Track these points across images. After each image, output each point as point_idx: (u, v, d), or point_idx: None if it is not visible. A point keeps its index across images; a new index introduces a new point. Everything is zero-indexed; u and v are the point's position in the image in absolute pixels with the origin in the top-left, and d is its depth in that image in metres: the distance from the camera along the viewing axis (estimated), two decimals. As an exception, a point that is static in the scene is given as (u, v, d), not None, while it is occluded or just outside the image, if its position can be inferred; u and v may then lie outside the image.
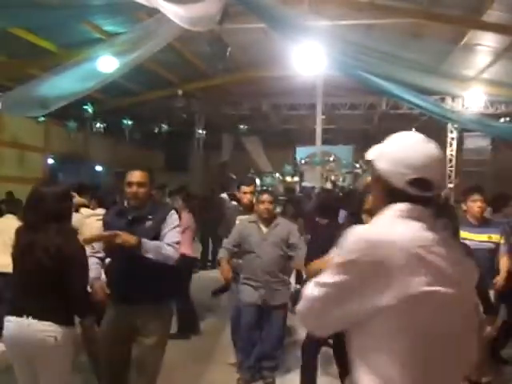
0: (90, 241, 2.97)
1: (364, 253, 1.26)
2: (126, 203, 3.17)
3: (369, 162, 1.47)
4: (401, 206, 1.36)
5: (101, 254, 3.20)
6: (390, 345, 1.25)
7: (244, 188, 4.73)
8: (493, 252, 4.20)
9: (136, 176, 3.03)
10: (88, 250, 2.99)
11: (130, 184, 3.02)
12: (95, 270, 3.08)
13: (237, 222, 4.48)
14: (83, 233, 3.94)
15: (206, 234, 9.98)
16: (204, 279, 8.73)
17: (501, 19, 7.98)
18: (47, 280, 2.52)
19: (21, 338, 2.51)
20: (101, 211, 4.00)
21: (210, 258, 10.13)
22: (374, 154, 1.45)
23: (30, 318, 2.48)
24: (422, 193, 1.35)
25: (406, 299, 1.22)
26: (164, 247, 2.94)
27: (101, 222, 3.28)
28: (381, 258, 1.24)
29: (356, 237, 1.31)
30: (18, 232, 2.71)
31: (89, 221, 4.08)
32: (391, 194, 1.38)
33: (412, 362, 1.25)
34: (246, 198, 4.64)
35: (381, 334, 1.27)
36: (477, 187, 4.40)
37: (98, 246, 3.17)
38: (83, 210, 4.36)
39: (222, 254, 4.26)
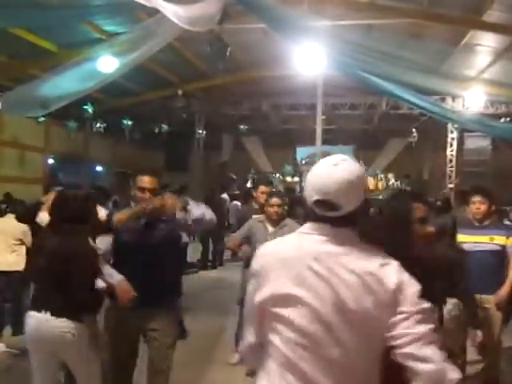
0: (128, 217, 2.93)
1: (254, 261, 1.63)
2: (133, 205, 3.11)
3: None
4: (307, 224, 1.59)
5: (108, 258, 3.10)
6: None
7: (262, 188, 4.79)
8: (499, 255, 3.93)
9: (148, 182, 3.01)
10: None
11: (143, 190, 3.00)
12: (115, 272, 2.97)
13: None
14: None
15: (206, 234, 9.98)
16: (204, 279, 8.75)
17: (501, 19, 7.98)
18: (59, 278, 2.67)
19: (40, 332, 2.67)
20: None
21: (210, 258, 10.14)
22: None
23: (48, 314, 2.64)
24: (325, 212, 1.53)
25: (272, 297, 1.50)
26: (206, 210, 3.03)
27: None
28: (259, 265, 1.59)
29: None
30: (44, 232, 2.92)
31: None
32: (308, 213, 1.61)
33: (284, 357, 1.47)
34: (262, 198, 4.66)
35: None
36: (477, 188, 4.33)
37: (103, 247, 3.05)
38: None
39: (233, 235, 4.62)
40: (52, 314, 2.64)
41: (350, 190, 1.51)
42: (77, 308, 2.69)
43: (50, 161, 14.11)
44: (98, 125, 14.94)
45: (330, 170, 1.55)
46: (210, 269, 9.83)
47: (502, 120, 12.51)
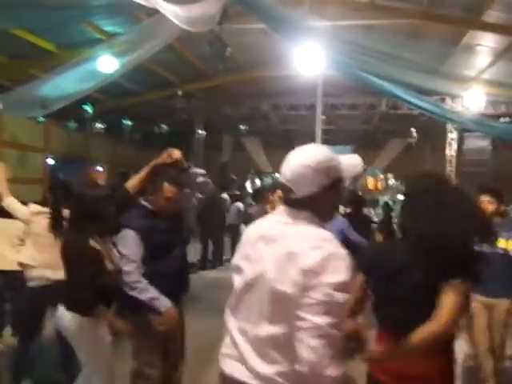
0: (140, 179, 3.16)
1: None
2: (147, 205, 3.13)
3: None
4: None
5: (142, 270, 2.99)
6: None
7: (280, 193, 4.73)
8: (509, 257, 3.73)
9: (173, 191, 3.07)
10: (132, 265, 2.92)
11: (167, 199, 3.06)
12: (152, 289, 2.92)
13: None
14: (32, 231, 3.83)
15: (206, 235, 9.98)
16: (204, 279, 8.74)
17: (500, 19, 7.98)
18: (66, 275, 2.87)
19: (58, 324, 2.95)
20: (46, 209, 3.78)
21: (210, 258, 10.13)
22: None
23: (62, 307, 2.87)
24: (286, 194, 1.68)
25: (232, 266, 1.80)
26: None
27: (47, 220, 3.56)
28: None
29: None
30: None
31: (37, 219, 3.88)
32: None
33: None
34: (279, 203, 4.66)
35: None
36: (484, 187, 4.15)
37: (137, 259, 2.96)
38: (32, 206, 4.03)
39: None
40: (64, 307, 2.86)
41: (302, 174, 1.61)
42: (77, 304, 2.81)
43: (50, 161, 14.10)
44: (98, 125, 14.94)
45: (292, 155, 1.71)
46: (209, 269, 9.83)
47: (502, 120, 12.52)
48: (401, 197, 9.59)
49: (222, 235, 10.26)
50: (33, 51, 9.27)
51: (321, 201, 1.63)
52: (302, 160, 1.64)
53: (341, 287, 1.46)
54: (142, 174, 3.15)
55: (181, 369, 3.31)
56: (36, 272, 3.77)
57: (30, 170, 12.47)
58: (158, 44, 6.83)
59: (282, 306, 1.54)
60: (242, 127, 16.83)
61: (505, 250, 3.71)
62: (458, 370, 3.89)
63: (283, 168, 1.69)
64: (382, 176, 15.46)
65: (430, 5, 8.06)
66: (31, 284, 3.80)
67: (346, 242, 2.99)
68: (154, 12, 5.63)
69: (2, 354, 4.53)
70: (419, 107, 9.90)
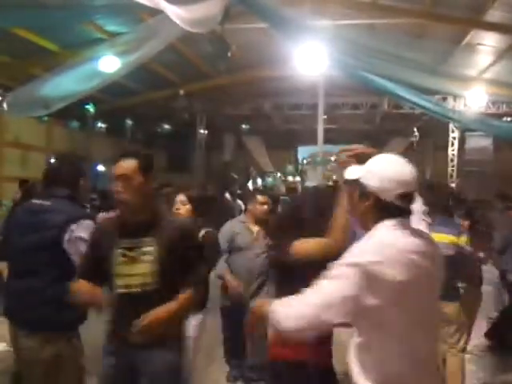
0: None
1: None
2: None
3: (350, 181, 1.71)
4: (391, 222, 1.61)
5: None
6: None
7: (260, 198, 4.56)
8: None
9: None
10: None
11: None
12: None
13: None
14: None
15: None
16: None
17: (503, 19, 7.98)
18: None
19: None
20: None
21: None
22: (359, 173, 1.67)
23: None
24: (407, 205, 1.62)
25: None
26: None
27: None
28: None
29: None
30: None
31: None
32: (382, 208, 1.61)
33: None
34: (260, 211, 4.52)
35: None
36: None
37: None
38: None
39: None
40: None
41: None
42: None
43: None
44: (100, 125, 14.95)
45: (407, 165, 1.64)
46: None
47: (504, 119, 12.50)
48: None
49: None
50: (35, 51, 9.30)
51: None
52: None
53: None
54: None
55: None
56: None
57: (32, 170, 12.49)
58: (161, 44, 6.83)
59: None
60: (244, 127, 16.84)
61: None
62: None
63: (408, 178, 1.61)
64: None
65: (432, 4, 8.06)
66: None
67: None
68: (156, 12, 5.64)
69: None
70: (421, 107, 9.89)
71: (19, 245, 2.54)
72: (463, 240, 3.76)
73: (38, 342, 2.40)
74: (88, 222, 2.51)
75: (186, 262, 2.22)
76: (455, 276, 3.63)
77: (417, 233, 1.63)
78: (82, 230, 2.45)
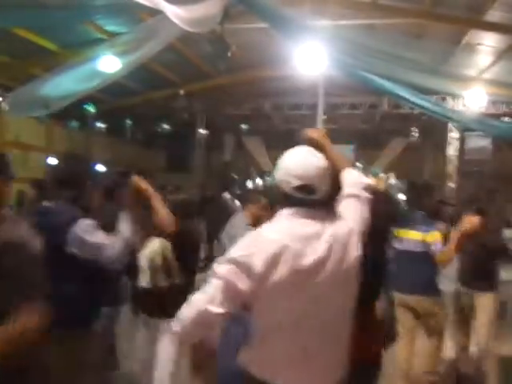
0: None
1: None
2: None
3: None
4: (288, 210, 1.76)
5: None
6: None
7: (251, 208, 4.50)
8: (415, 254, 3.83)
9: None
10: None
11: None
12: None
13: None
14: None
15: (212, 235, 9.95)
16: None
17: (502, 19, 7.98)
18: None
19: None
20: None
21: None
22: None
23: None
24: (305, 196, 1.72)
25: None
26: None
27: None
28: None
29: None
30: None
31: None
32: (284, 198, 1.77)
33: None
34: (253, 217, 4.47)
35: None
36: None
37: None
38: None
39: None
40: None
41: (323, 175, 1.75)
42: None
43: (53, 161, 14.11)
44: (100, 125, 14.95)
45: (301, 157, 1.79)
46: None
47: (503, 119, 12.50)
48: (402, 196, 9.59)
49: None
50: (35, 51, 9.29)
51: (331, 199, 1.80)
52: (318, 162, 1.77)
53: None
54: None
55: None
56: None
57: (32, 170, 12.49)
58: (160, 44, 6.84)
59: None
60: (244, 127, 16.83)
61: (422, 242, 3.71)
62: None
63: (304, 171, 1.73)
64: (382, 175, 15.46)
65: (431, 4, 8.06)
66: None
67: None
68: (156, 12, 5.64)
69: None
70: (420, 106, 9.89)
71: None
72: (434, 237, 3.68)
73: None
74: (88, 222, 2.56)
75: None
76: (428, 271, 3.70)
77: (315, 220, 1.72)
78: (82, 230, 2.50)
